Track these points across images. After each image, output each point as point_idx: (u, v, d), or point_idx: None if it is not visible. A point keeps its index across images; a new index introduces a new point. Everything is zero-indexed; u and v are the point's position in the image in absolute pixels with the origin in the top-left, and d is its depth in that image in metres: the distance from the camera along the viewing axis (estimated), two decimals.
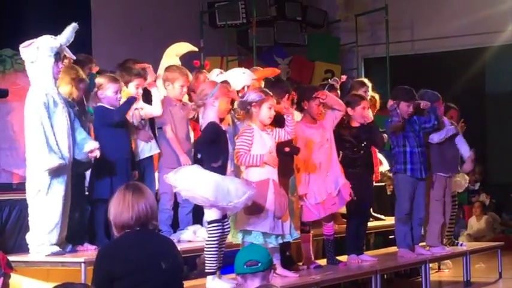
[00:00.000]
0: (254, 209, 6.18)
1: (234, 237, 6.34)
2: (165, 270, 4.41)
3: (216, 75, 7.53)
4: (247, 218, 6.22)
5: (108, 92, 6.72)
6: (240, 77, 7.39)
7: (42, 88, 6.12)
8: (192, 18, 12.94)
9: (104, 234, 6.51)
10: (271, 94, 6.45)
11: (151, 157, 7.20)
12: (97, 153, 6.34)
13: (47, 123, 6.05)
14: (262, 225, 6.25)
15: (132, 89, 7.08)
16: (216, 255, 5.96)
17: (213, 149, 5.99)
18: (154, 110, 7.16)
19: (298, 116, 7.31)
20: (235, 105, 6.64)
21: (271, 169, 6.34)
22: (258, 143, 6.33)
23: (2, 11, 9.26)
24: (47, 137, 6.04)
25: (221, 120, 6.25)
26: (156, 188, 7.21)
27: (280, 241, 6.40)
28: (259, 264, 4.84)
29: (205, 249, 6.00)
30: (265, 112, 6.37)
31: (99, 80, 6.80)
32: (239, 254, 5.66)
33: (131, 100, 6.78)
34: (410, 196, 8.00)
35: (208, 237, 5.99)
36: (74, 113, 6.36)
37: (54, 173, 6.08)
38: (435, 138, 8.40)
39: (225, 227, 6.04)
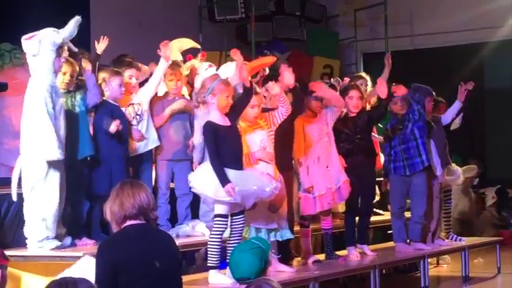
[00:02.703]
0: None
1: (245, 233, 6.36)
2: (164, 266, 4.41)
3: (204, 69, 7.48)
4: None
5: (113, 85, 6.75)
6: (223, 71, 7.31)
7: (43, 82, 6.15)
8: (190, 12, 12.92)
9: (99, 229, 6.52)
10: (255, 91, 6.34)
11: (149, 153, 7.18)
12: None
13: (48, 116, 6.07)
14: (255, 221, 6.25)
15: (126, 80, 7.06)
16: (218, 250, 5.94)
17: (217, 148, 5.95)
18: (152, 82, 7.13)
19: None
20: None
21: (265, 164, 6.33)
22: (253, 139, 6.33)
23: (1, 4, 9.25)
24: (49, 129, 6.06)
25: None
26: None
27: (274, 238, 6.39)
28: (250, 279, 5.19)
29: (208, 242, 5.99)
30: (249, 112, 6.32)
31: (102, 74, 6.80)
32: (231, 263, 5.69)
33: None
34: (400, 192, 8.07)
35: (213, 231, 5.99)
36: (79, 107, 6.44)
37: (50, 166, 6.11)
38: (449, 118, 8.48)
39: (238, 222, 6.01)
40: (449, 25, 13.46)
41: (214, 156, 5.91)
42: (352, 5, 14.25)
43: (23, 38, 6.19)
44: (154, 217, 4.63)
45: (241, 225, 6.07)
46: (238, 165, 5.98)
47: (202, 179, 5.94)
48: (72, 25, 6.21)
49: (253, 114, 6.35)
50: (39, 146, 6.09)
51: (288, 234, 6.52)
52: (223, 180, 5.81)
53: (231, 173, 5.87)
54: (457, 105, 8.55)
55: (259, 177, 6.03)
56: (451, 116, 8.57)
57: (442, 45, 13.91)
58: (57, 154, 6.06)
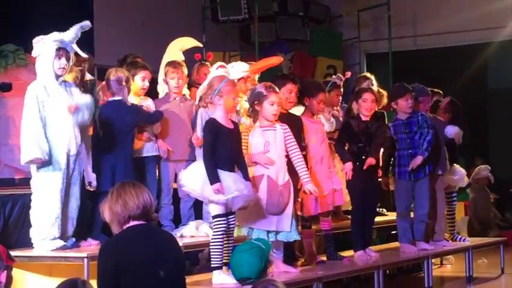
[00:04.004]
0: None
1: (238, 231, 6.41)
2: (167, 266, 4.41)
3: (215, 68, 7.49)
4: (241, 213, 6.23)
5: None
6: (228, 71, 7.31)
7: (40, 81, 6.20)
8: (194, 13, 12.94)
9: (100, 229, 6.53)
10: (275, 90, 6.42)
11: (155, 155, 7.19)
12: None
13: (35, 115, 6.11)
14: (249, 221, 6.29)
15: (138, 81, 7.11)
16: (221, 250, 5.95)
17: (214, 146, 5.96)
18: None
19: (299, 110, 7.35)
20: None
21: (263, 167, 6.33)
22: (257, 141, 6.34)
23: (5, 6, 9.26)
24: (31, 129, 6.10)
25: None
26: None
27: (273, 238, 6.36)
28: (251, 279, 5.01)
29: (211, 243, 6.01)
30: (267, 109, 6.35)
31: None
32: (231, 264, 5.71)
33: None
34: (406, 193, 8.04)
35: (214, 232, 6.01)
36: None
37: (49, 166, 6.12)
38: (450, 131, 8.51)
39: (230, 222, 6.04)
40: (453, 25, 13.46)
41: (208, 153, 5.93)
42: (356, 5, 14.24)
43: (34, 41, 6.26)
44: (155, 218, 4.64)
45: (233, 225, 6.12)
46: (231, 169, 5.99)
47: (191, 176, 5.97)
48: (76, 29, 6.23)
49: (272, 112, 6.36)
50: (22, 146, 6.16)
51: (294, 236, 6.50)
52: (213, 178, 5.82)
53: (220, 173, 5.88)
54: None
55: (243, 181, 6.01)
56: (453, 132, 8.57)
57: (445, 45, 13.92)
58: (33, 154, 6.05)
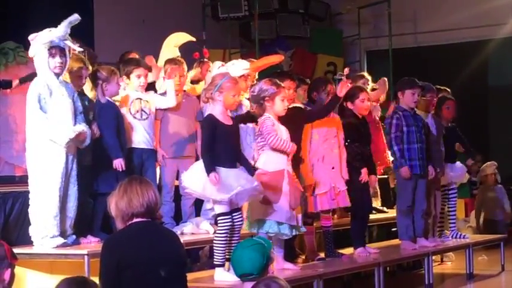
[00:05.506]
0: (269, 199, 6.21)
1: (250, 228, 6.39)
2: (168, 263, 4.42)
3: (217, 67, 7.51)
4: (263, 208, 6.25)
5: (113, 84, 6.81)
6: (229, 69, 7.30)
7: (40, 80, 6.20)
8: (194, 10, 12.95)
9: (99, 227, 6.53)
10: (283, 85, 6.45)
11: (152, 150, 7.15)
12: (85, 139, 6.32)
13: (41, 112, 6.12)
14: (277, 215, 6.27)
15: (134, 79, 7.07)
16: (224, 248, 5.97)
17: (212, 142, 5.98)
18: (169, 101, 7.15)
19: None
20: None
21: (285, 160, 6.35)
22: (280, 136, 6.36)
23: (5, 3, 9.27)
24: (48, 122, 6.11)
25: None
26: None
27: (295, 232, 6.43)
28: (253, 275, 5.11)
29: (214, 241, 6.03)
30: (279, 104, 6.37)
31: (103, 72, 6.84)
32: (233, 260, 5.73)
33: None
34: (410, 191, 7.99)
35: (218, 229, 6.03)
36: (83, 107, 6.46)
37: (51, 163, 6.13)
38: None
39: (236, 219, 6.04)
40: (453, 22, 13.46)
41: (206, 148, 5.96)
42: (356, 2, 14.24)
43: (29, 38, 6.25)
44: (159, 216, 4.64)
45: (240, 223, 6.11)
46: (233, 165, 6.00)
47: (192, 177, 5.98)
48: (65, 24, 6.20)
49: (284, 107, 6.40)
50: (31, 143, 6.16)
51: (302, 229, 6.57)
52: (209, 168, 5.82)
53: (222, 171, 5.90)
54: None
55: (246, 176, 6.03)
56: None
57: (446, 42, 13.91)
58: (71, 133, 6.10)
